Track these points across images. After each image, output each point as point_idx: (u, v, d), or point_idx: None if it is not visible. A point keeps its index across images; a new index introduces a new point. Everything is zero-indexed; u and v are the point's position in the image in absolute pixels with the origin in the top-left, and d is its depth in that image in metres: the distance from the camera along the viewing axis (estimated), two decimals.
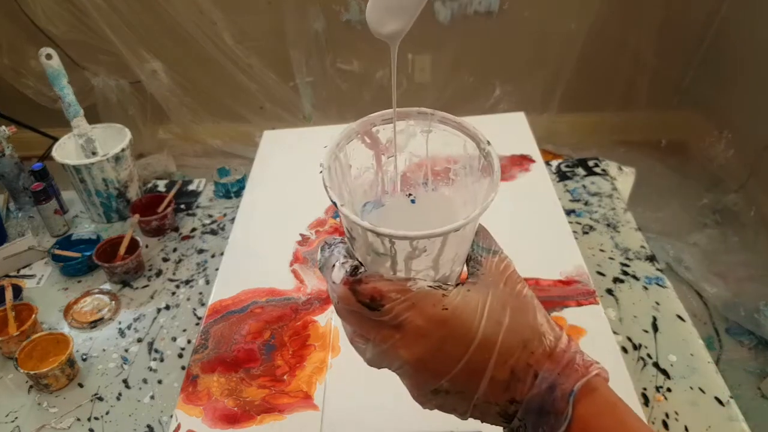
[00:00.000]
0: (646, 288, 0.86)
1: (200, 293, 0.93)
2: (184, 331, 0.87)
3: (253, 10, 2.05)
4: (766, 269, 1.64)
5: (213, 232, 1.06)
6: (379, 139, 0.41)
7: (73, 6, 1.98)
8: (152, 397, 0.77)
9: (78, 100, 1.05)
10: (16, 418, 0.77)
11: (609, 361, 0.63)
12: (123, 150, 1.04)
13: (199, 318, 0.88)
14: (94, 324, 0.89)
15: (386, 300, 0.36)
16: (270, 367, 0.75)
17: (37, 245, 1.02)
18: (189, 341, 0.85)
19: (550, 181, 1.01)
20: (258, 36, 2.09)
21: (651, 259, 0.90)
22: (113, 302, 0.92)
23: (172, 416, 0.70)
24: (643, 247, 0.93)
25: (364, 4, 1.99)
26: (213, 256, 1.00)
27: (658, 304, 0.83)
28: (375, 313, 0.36)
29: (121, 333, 0.87)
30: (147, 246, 1.04)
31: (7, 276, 1.00)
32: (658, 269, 0.89)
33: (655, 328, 0.80)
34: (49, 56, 0.99)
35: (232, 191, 1.14)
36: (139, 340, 0.86)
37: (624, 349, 0.77)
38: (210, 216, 1.10)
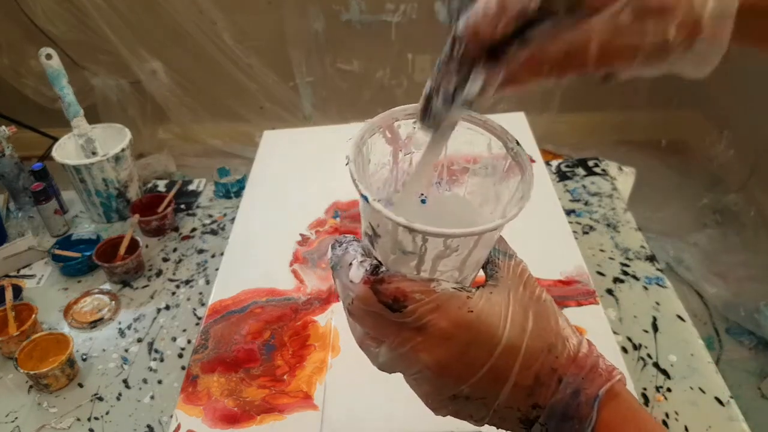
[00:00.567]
0: (646, 288, 0.86)
1: (200, 293, 0.93)
2: (184, 331, 0.87)
3: (253, 10, 2.05)
4: (766, 269, 1.63)
5: (213, 232, 1.06)
6: (399, 134, 0.40)
7: (73, 6, 1.98)
8: (152, 397, 0.77)
9: (78, 100, 1.05)
10: (16, 418, 0.77)
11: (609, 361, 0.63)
12: (123, 150, 1.04)
13: (199, 318, 0.88)
14: (94, 324, 0.89)
15: (410, 300, 0.34)
16: (270, 367, 0.75)
17: (37, 245, 1.02)
18: (189, 341, 0.85)
19: (550, 181, 1.01)
20: (258, 36, 2.09)
21: (651, 259, 0.90)
22: (113, 302, 0.92)
23: (172, 416, 0.70)
24: (643, 247, 0.93)
25: (364, 4, 2.01)
26: (213, 256, 1.00)
27: (658, 304, 0.83)
28: (396, 314, 0.35)
29: (121, 333, 0.87)
30: (147, 246, 1.04)
31: (7, 276, 1.00)
32: (658, 269, 0.89)
33: (655, 328, 0.80)
34: (49, 56, 0.99)
35: (232, 191, 1.14)
36: (139, 340, 0.86)
37: (624, 349, 0.77)
38: (210, 216, 1.10)
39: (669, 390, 0.72)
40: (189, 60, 2.11)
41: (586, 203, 1.03)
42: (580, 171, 1.11)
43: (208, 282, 0.95)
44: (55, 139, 1.10)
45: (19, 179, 1.10)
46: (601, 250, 0.93)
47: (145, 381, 0.80)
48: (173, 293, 0.94)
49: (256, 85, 2.15)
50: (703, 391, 0.71)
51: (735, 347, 1.54)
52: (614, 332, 0.78)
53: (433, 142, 0.37)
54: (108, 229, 1.09)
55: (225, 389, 0.73)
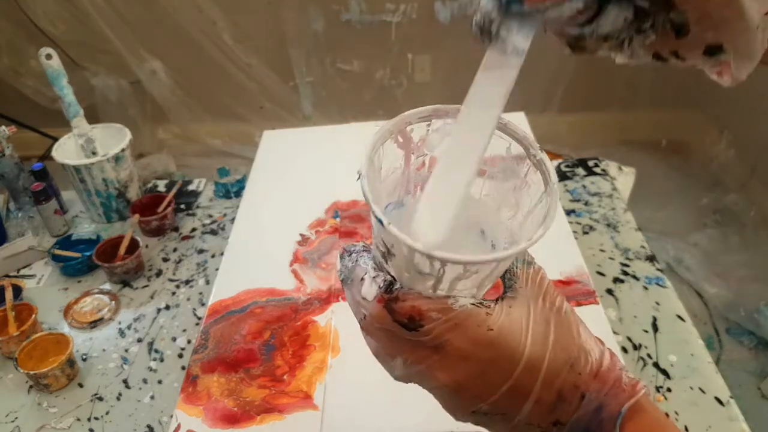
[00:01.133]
0: (646, 288, 0.86)
1: (200, 293, 0.93)
2: (184, 331, 0.87)
3: (253, 10, 2.05)
4: (766, 269, 1.63)
5: (213, 232, 1.06)
6: (412, 138, 0.39)
7: (73, 6, 1.98)
8: (152, 397, 0.77)
9: (78, 100, 1.05)
10: (16, 418, 0.77)
11: None
12: (123, 150, 1.04)
13: (199, 318, 0.88)
14: (94, 324, 0.89)
15: (426, 320, 0.33)
16: (270, 367, 0.75)
17: (37, 245, 1.02)
18: (189, 341, 0.85)
19: None
20: (258, 36, 2.09)
21: (651, 259, 0.90)
22: (113, 302, 0.92)
23: (172, 416, 0.70)
24: (643, 247, 0.93)
25: (364, 4, 2.01)
26: (213, 256, 1.00)
27: (658, 304, 0.83)
28: (412, 333, 0.34)
29: (121, 333, 0.87)
30: (147, 246, 1.04)
31: (7, 276, 1.00)
32: (658, 269, 0.89)
33: (655, 328, 0.80)
34: (49, 56, 0.99)
35: (232, 191, 1.14)
36: (139, 340, 0.86)
37: (624, 349, 0.77)
38: (210, 216, 1.10)
39: (669, 390, 0.72)
40: (189, 60, 2.11)
41: (586, 203, 1.03)
42: (580, 171, 1.11)
43: (208, 282, 0.95)
44: (55, 139, 1.10)
45: (19, 179, 1.10)
46: (601, 250, 0.93)
47: (145, 381, 0.80)
48: (173, 293, 0.94)
49: (256, 85, 2.15)
50: (703, 391, 0.71)
51: (735, 347, 1.54)
52: (614, 332, 0.78)
53: (492, 71, 0.33)
54: (108, 229, 1.09)
55: (225, 389, 0.73)
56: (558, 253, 0.86)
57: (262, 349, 0.77)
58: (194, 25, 2.02)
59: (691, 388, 0.72)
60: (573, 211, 1.01)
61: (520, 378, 0.33)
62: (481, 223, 0.41)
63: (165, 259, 1.01)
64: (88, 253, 0.98)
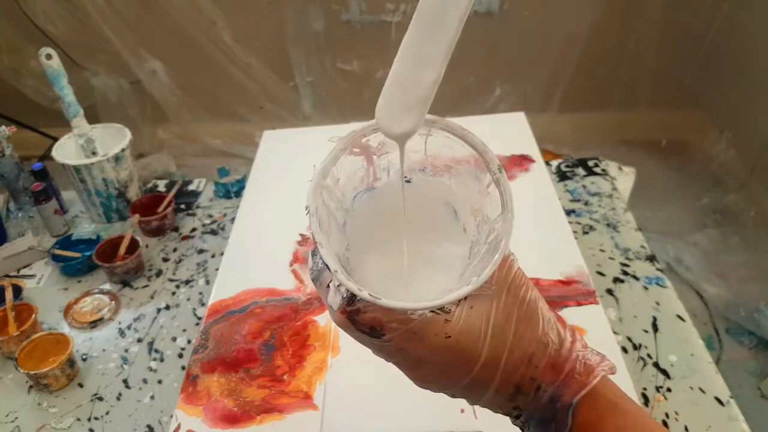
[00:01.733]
0: (646, 288, 0.86)
1: (200, 293, 0.93)
2: (184, 331, 0.87)
3: (253, 10, 2.05)
4: (766, 269, 1.63)
5: (213, 232, 1.06)
6: (369, 145, 0.39)
7: (73, 6, 1.98)
8: (152, 397, 0.77)
9: (78, 100, 1.05)
10: (16, 418, 0.77)
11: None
12: (123, 150, 1.04)
13: (199, 318, 0.88)
14: (94, 324, 0.89)
15: (387, 330, 0.34)
16: (270, 367, 0.75)
17: (37, 245, 1.02)
18: (189, 341, 0.85)
19: (550, 181, 1.01)
20: (258, 36, 2.09)
21: (651, 259, 0.90)
22: (113, 302, 0.92)
23: (172, 416, 0.70)
24: (643, 247, 0.93)
25: (364, 4, 2.01)
26: (213, 256, 1.00)
27: (658, 304, 0.83)
28: (375, 339, 0.35)
29: (121, 333, 0.87)
30: (147, 246, 1.04)
31: (7, 276, 1.00)
32: (658, 269, 0.89)
33: (655, 328, 0.80)
34: (49, 56, 0.99)
35: (232, 191, 1.14)
36: (139, 340, 0.86)
37: (624, 349, 0.77)
38: (210, 216, 1.10)
39: (669, 390, 0.72)
40: (189, 60, 2.11)
41: (586, 203, 1.03)
42: (580, 171, 1.11)
43: (208, 282, 0.95)
44: (55, 139, 1.10)
45: (19, 179, 1.10)
46: (601, 250, 0.93)
47: (145, 381, 0.80)
48: (173, 293, 0.94)
49: (256, 85, 2.15)
50: (703, 391, 0.71)
51: (735, 347, 1.54)
52: (614, 332, 0.78)
53: None
54: (108, 229, 1.09)
55: (225, 389, 0.73)
56: (558, 253, 0.86)
57: (262, 349, 0.77)
58: (194, 25, 2.02)
59: (691, 388, 0.72)
60: (573, 211, 1.01)
61: (478, 376, 0.35)
62: (453, 204, 0.42)
63: (165, 259, 1.01)
64: (88, 253, 0.98)
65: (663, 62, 2.04)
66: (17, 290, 0.92)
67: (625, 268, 0.89)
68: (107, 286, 0.96)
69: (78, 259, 0.98)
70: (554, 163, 1.13)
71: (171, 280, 0.96)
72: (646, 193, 1.30)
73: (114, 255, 0.97)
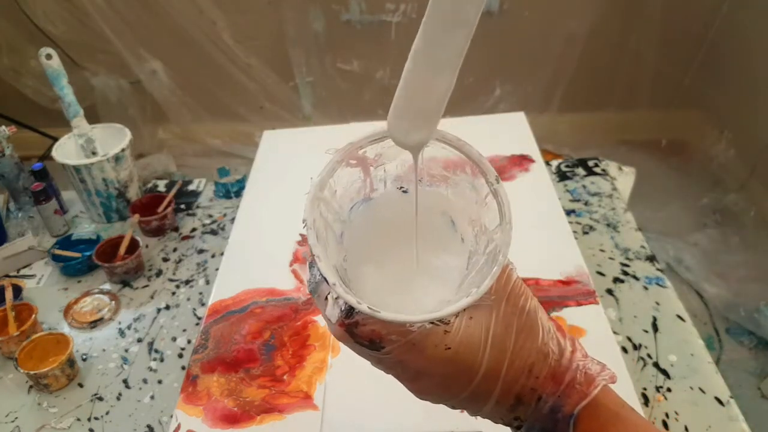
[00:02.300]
0: (646, 288, 0.86)
1: (200, 293, 0.93)
2: (184, 331, 0.87)
3: (253, 10, 2.05)
4: (766, 269, 1.63)
5: (213, 232, 1.06)
6: (366, 156, 0.38)
7: (73, 6, 1.98)
8: (152, 397, 0.77)
9: (78, 100, 1.05)
10: (16, 418, 0.77)
11: (609, 361, 0.62)
12: (123, 150, 1.04)
13: (199, 318, 0.88)
14: (94, 324, 0.89)
15: (386, 342, 0.34)
16: (270, 367, 0.75)
17: (37, 245, 1.02)
18: (189, 341, 0.85)
19: (550, 181, 1.01)
20: (258, 36, 2.09)
21: (651, 259, 0.90)
22: (113, 302, 0.92)
23: (172, 416, 0.70)
24: (643, 247, 0.93)
25: (364, 4, 2.01)
26: (213, 256, 1.00)
27: (658, 304, 0.83)
28: (375, 352, 0.35)
29: (121, 333, 0.87)
30: (147, 246, 1.04)
31: (7, 276, 1.00)
32: (658, 269, 0.89)
33: (655, 328, 0.80)
34: (49, 56, 0.99)
35: (232, 191, 1.14)
36: (139, 340, 0.86)
37: (624, 349, 0.77)
38: (210, 216, 1.10)
39: (669, 390, 0.72)
40: (189, 60, 2.11)
41: (586, 203, 1.03)
42: (580, 171, 1.11)
43: (208, 282, 0.95)
44: (55, 139, 1.10)
45: (19, 179, 1.10)
46: (601, 250, 0.93)
47: (145, 381, 0.80)
48: (173, 293, 0.94)
49: (256, 85, 2.15)
50: (703, 391, 0.71)
51: (735, 347, 1.54)
52: (614, 332, 0.78)
53: None
54: (108, 229, 1.09)
55: (225, 389, 0.73)
56: (558, 253, 0.86)
57: (262, 349, 0.77)
58: (194, 25, 2.02)
59: (691, 388, 0.72)
60: (573, 211, 1.01)
61: (478, 387, 0.35)
62: (451, 213, 0.41)
63: (165, 259, 1.01)
64: (88, 253, 0.98)
65: (663, 62, 2.04)
66: (17, 290, 0.92)
67: (625, 268, 0.89)
68: (107, 286, 0.96)
69: (78, 259, 0.98)
70: (554, 163, 1.13)
71: (171, 280, 0.96)
72: (646, 193, 1.30)
73: (114, 255, 0.97)
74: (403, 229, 0.40)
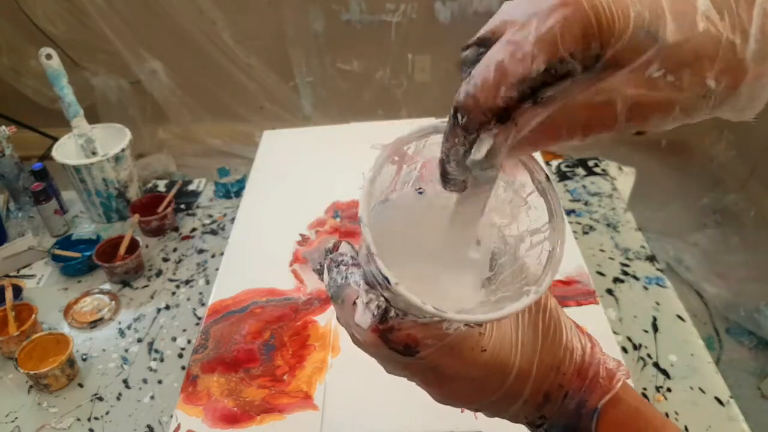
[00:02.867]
0: (646, 288, 0.86)
1: (200, 293, 0.93)
2: (184, 331, 0.87)
3: (253, 10, 2.05)
4: (766, 269, 1.63)
5: (213, 232, 1.06)
6: (407, 153, 0.37)
7: (73, 6, 1.98)
8: (152, 397, 0.77)
9: (78, 100, 1.05)
10: (16, 418, 0.77)
11: None
12: (123, 150, 1.04)
13: (199, 318, 0.88)
14: (94, 324, 0.89)
15: (423, 348, 0.33)
16: (270, 367, 0.75)
17: (37, 245, 1.02)
18: (189, 341, 0.85)
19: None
20: (258, 36, 2.09)
21: (651, 259, 0.90)
22: (113, 302, 0.92)
23: (172, 416, 0.70)
24: (643, 247, 0.93)
25: (364, 4, 2.01)
26: (213, 256, 1.00)
27: (658, 304, 0.83)
28: (408, 357, 0.34)
29: (121, 333, 0.87)
30: (147, 246, 1.04)
31: (7, 276, 1.00)
32: (658, 269, 0.89)
33: (655, 328, 0.80)
34: (49, 56, 0.99)
35: (232, 191, 1.14)
36: (139, 340, 0.86)
37: (624, 349, 0.77)
38: (210, 216, 1.10)
39: (669, 390, 0.72)
40: (189, 60, 2.11)
41: (586, 203, 1.03)
42: (580, 171, 1.11)
43: (208, 282, 0.95)
44: (55, 139, 1.10)
45: (19, 179, 1.10)
46: (601, 250, 0.93)
47: (145, 381, 0.80)
48: (173, 293, 0.94)
49: (256, 85, 2.15)
50: (703, 391, 0.71)
51: (735, 347, 1.54)
52: (614, 332, 0.78)
53: (468, 197, 0.33)
54: (108, 229, 1.09)
55: (225, 389, 0.73)
56: None
57: (262, 349, 0.77)
58: (194, 25, 2.02)
59: (691, 388, 0.72)
60: (573, 211, 1.01)
61: (510, 387, 0.35)
62: (470, 220, 0.40)
63: (165, 259, 1.01)
64: (88, 253, 0.98)
65: None
66: (17, 290, 0.92)
67: (625, 268, 0.89)
68: (107, 286, 0.96)
69: (78, 259, 0.98)
70: (554, 163, 1.13)
71: (171, 280, 0.96)
72: (646, 193, 1.30)
73: (114, 255, 0.97)
74: (418, 230, 0.39)
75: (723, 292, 1.63)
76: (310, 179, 1.07)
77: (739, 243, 1.76)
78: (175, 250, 1.03)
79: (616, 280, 0.87)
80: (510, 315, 0.32)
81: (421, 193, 0.40)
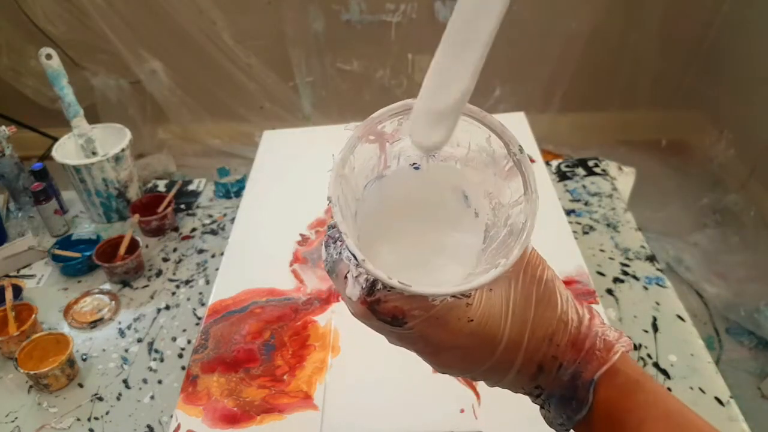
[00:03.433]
0: (646, 288, 0.86)
1: (200, 293, 0.93)
2: (184, 331, 0.87)
3: (253, 10, 2.05)
4: (766, 269, 1.63)
5: (213, 232, 1.06)
6: (384, 131, 0.38)
7: (73, 6, 1.98)
8: (152, 397, 0.77)
9: (78, 100, 1.05)
10: (16, 418, 0.77)
11: None
12: (123, 150, 1.04)
13: (199, 318, 0.88)
14: (94, 324, 0.89)
15: (409, 318, 0.34)
16: (270, 367, 0.75)
17: (37, 245, 1.02)
18: (189, 341, 0.85)
19: (550, 181, 1.01)
20: (258, 36, 2.09)
21: (651, 259, 0.90)
22: (113, 302, 0.92)
23: (172, 416, 0.70)
24: (643, 247, 0.93)
25: (364, 4, 2.01)
26: (213, 256, 1.00)
27: (658, 304, 0.83)
28: (397, 328, 0.35)
29: (121, 333, 0.87)
30: (147, 246, 1.04)
31: (7, 276, 1.00)
32: (658, 269, 0.89)
33: (655, 328, 0.80)
34: (49, 56, 0.99)
35: (232, 191, 1.14)
36: (139, 340, 0.86)
37: None
38: (210, 216, 1.10)
39: (669, 390, 0.72)
40: (189, 60, 2.11)
41: (586, 203, 1.03)
42: (580, 171, 1.11)
43: (208, 282, 0.95)
44: (55, 139, 1.10)
45: (19, 179, 1.10)
46: (601, 250, 0.93)
47: (145, 381, 0.80)
48: (173, 293, 0.94)
49: (256, 85, 2.15)
50: (703, 391, 0.71)
51: (735, 347, 1.54)
52: None
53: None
54: (108, 229, 1.09)
55: (225, 389, 0.73)
56: (558, 253, 0.86)
57: (262, 349, 0.77)
58: (194, 25, 2.02)
59: (691, 388, 0.72)
60: (573, 211, 1.01)
61: (501, 357, 0.35)
62: (464, 188, 0.41)
63: (165, 259, 1.01)
64: (88, 253, 0.98)
65: (663, 62, 2.04)
66: (17, 290, 0.92)
67: (625, 268, 0.89)
68: (107, 286, 0.96)
69: (78, 259, 0.98)
70: (554, 163, 1.13)
71: (171, 280, 0.96)
72: (646, 193, 1.30)
73: (114, 255, 0.97)
74: (415, 206, 0.39)
75: (723, 292, 1.63)
76: (310, 179, 1.07)
77: (739, 243, 1.76)
78: (175, 250, 1.03)
79: (616, 280, 0.87)
80: (477, 288, 0.33)
81: (417, 168, 0.40)
